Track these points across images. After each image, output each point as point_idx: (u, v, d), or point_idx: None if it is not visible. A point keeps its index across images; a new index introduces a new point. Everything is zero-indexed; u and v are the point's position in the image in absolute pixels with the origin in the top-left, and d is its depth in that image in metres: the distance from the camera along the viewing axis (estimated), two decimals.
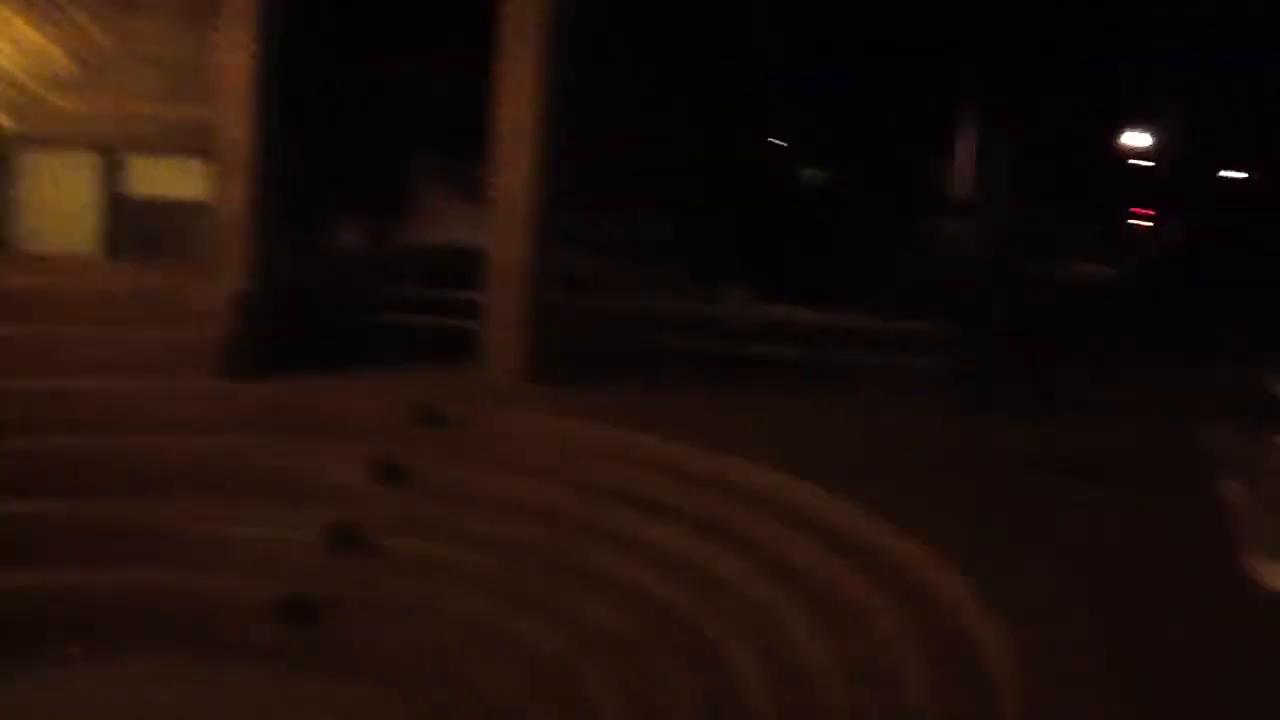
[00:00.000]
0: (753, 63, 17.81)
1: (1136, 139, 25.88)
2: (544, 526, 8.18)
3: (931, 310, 10.75)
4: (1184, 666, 4.97)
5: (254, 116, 10.28)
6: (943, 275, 18.40)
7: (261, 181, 10.45)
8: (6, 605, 7.51)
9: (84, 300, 9.87)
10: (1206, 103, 18.34)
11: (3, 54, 10.56)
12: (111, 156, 10.89)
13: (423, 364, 10.99)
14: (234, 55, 10.17)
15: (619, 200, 17.57)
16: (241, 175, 10.35)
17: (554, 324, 10.84)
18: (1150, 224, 25.16)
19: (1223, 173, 19.63)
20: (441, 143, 16.89)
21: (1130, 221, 25.06)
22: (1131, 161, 26.03)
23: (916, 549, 6.43)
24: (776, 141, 21.72)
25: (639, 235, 17.99)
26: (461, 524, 8.40)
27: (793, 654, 6.04)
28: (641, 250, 17.42)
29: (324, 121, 13.12)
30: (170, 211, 10.94)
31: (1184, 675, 4.89)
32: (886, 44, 19.63)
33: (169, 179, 10.95)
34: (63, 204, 10.96)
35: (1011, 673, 4.88)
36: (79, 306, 9.79)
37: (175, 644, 7.56)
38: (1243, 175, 17.93)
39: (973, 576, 5.88)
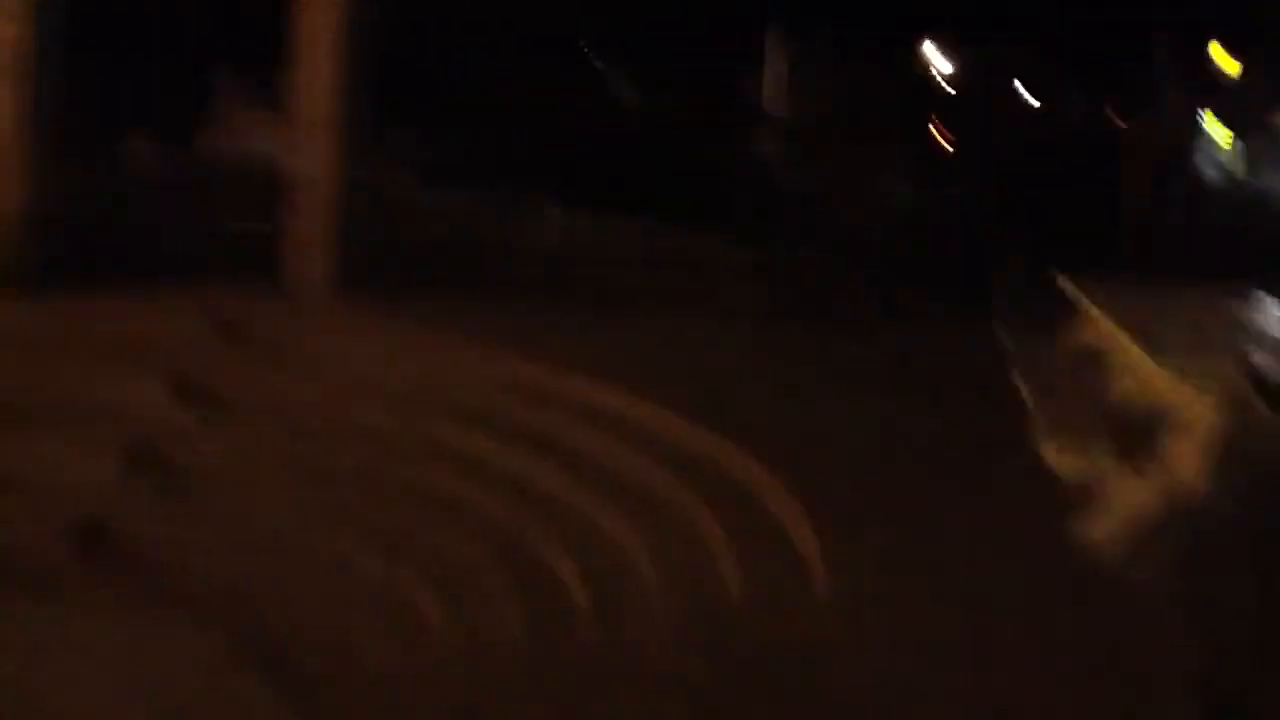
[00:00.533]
0: None
1: (939, 60, 26.64)
2: (356, 442, 8.01)
3: (742, 224, 10.97)
4: (970, 540, 5.27)
5: (28, 15, 9.53)
6: (753, 191, 18.70)
7: (39, 88, 9.72)
8: None
9: None
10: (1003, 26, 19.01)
11: None
12: None
13: (224, 280, 10.56)
14: None
15: (428, 117, 17.16)
16: (14, 80, 9.61)
17: (361, 238, 10.55)
18: (950, 146, 26.13)
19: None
20: (239, 50, 16.10)
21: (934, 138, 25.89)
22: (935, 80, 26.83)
23: (724, 446, 6.58)
24: (594, 62, 21.50)
25: (449, 152, 17.63)
26: (269, 443, 8.15)
27: (618, 563, 6.12)
28: (452, 167, 17.10)
29: (111, 26, 12.31)
30: None
31: (965, 545, 5.19)
32: None
33: None
34: None
35: (820, 556, 5.07)
36: None
37: None
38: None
39: (782, 473, 6.06)
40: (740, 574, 5.25)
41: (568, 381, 8.04)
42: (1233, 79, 21.48)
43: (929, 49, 25.93)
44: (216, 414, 8.47)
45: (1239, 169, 21.37)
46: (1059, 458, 5.06)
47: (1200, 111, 19.30)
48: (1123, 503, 5.13)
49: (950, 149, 24.45)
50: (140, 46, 13.73)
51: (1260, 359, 4.12)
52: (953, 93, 25.75)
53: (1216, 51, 20.15)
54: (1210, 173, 20.08)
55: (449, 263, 11.55)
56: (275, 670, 6.14)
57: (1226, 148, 21.70)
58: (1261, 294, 7.10)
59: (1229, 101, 21.14)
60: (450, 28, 16.39)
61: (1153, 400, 5.85)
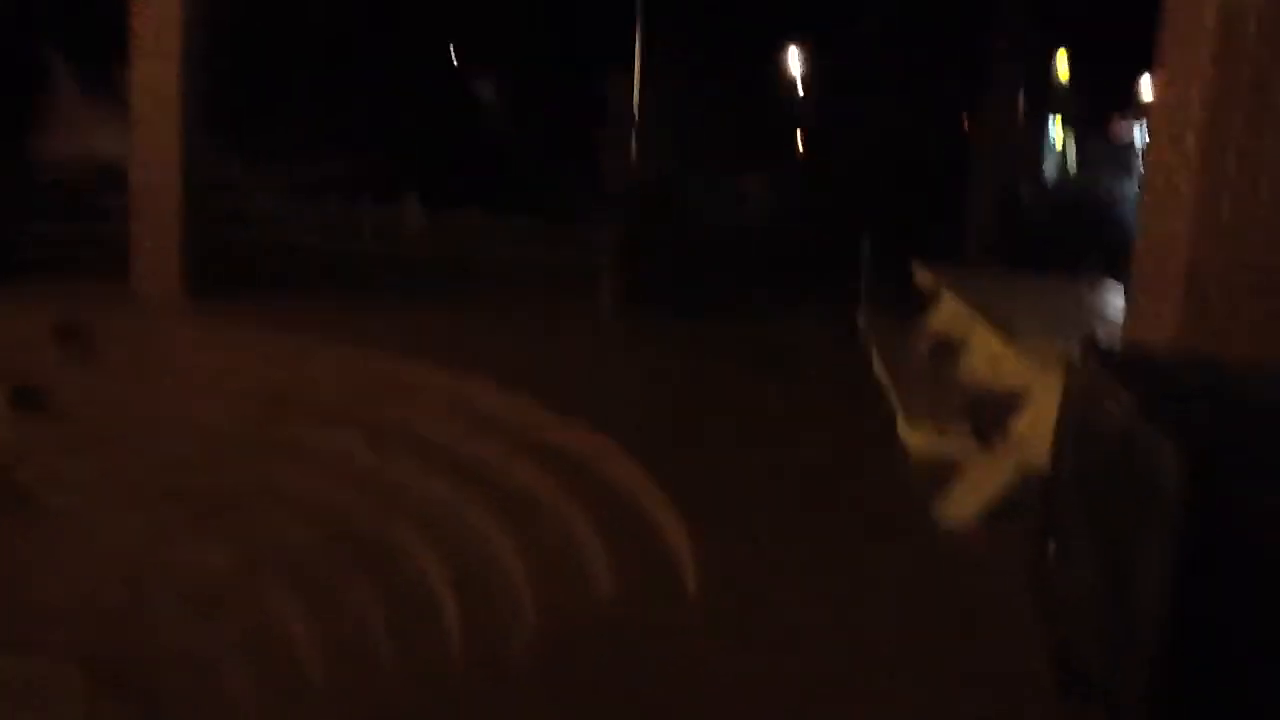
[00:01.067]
0: None
1: (794, 58, 27.12)
2: (207, 443, 7.74)
3: (597, 220, 11.03)
4: (832, 525, 5.35)
5: None
6: (609, 189, 18.76)
7: None
8: None
9: None
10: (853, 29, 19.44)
11: None
12: None
13: (64, 281, 10.14)
14: None
15: (275, 107, 16.77)
16: None
17: (208, 234, 10.21)
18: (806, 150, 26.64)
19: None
20: (77, 41, 15.45)
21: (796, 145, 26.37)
22: (791, 83, 27.33)
23: (589, 439, 6.57)
24: (453, 60, 21.29)
25: (298, 144, 17.25)
26: (112, 448, 7.82)
27: (477, 554, 6.03)
28: (305, 161, 16.75)
29: None
30: None
31: (831, 530, 5.28)
32: None
33: None
34: None
35: (687, 547, 5.08)
36: None
37: None
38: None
39: (643, 461, 6.07)
40: (610, 569, 5.22)
41: (430, 378, 7.91)
42: (1067, 85, 22.49)
43: (791, 55, 26.43)
44: (52, 418, 8.10)
45: (1074, 169, 22.39)
46: (915, 438, 5.17)
47: (1049, 115, 20.15)
48: (977, 480, 5.28)
49: (807, 153, 24.99)
50: None
51: (1103, 336, 4.28)
52: (808, 97, 26.32)
53: (1060, 59, 21.08)
54: (1050, 172, 20.98)
55: (307, 267, 11.32)
56: (136, 696, 5.87)
57: (1063, 149, 22.73)
58: (1103, 280, 7.41)
59: (1068, 105, 22.11)
60: (310, 30, 16.05)
61: (1003, 380, 6.05)
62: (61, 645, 6.25)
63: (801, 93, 26.71)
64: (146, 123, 9.78)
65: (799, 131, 25.54)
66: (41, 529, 7.23)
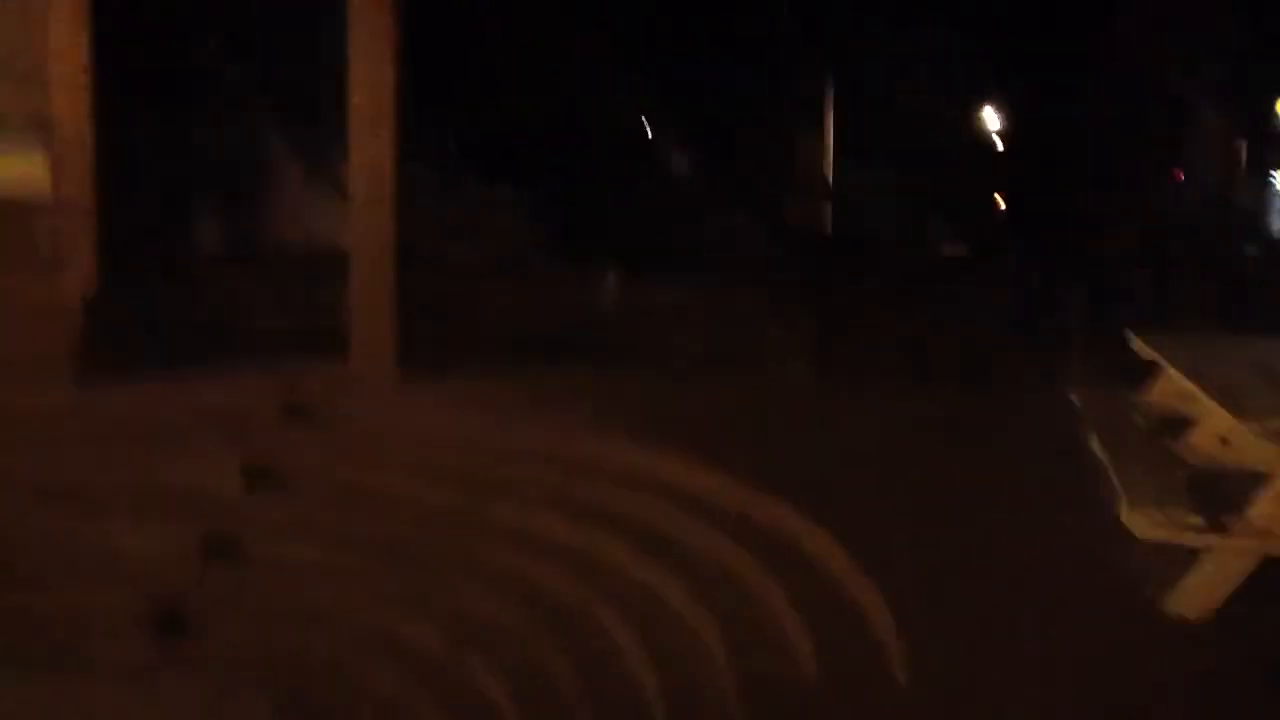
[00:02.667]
0: (613, 48, 17.79)
1: (992, 118, 26.62)
2: (423, 524, 8.00)
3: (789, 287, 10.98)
4: (1050, 620, 5.10)
5: (90, 104, 9.81)
6: (801, 256, 18.70)
7: (104, 173, 9.97)
8: None
9: None
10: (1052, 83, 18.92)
11: None
12: None
13: (290, 361, 10.70)
14: (68, 37, 9.70)
15: (483, 184, 17.40)
16: (82, 166, 9.87)
17: (421, 312, 10.63)
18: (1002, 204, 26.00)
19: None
20: (297, 131, 16.43)
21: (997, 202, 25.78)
22: (991, 140, 26.80)
23: (789, 519, 6.48)
24: (646, 127, 21.75)
25: (508, 220, 17.85)
26: (338, 525, 8.17)
27: (679, 635, 6.02)
28: (510, 235, 17.29)
29: (171, 112, 12.63)
30: (6, 208, 10.40)
31: (1050, 629, 5.02)
32: (745, 29, 19.76)
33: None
34: None
35: (895, 633, 4.94)
36: None
37: (46, 664, 7.13)
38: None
39: (848, 543, 5.94)
40: (811, 650, 5.12)
41: (637, 458, 7.98)
42: None
43: (988, 112, 25.92)
44: (282, 495, 8.53)
45: None
46: (1140, 524, 4.89)
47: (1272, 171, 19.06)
48: (1212, 570, 4.95)
49: (1004, 205, 24.34)
50: (197, 124, 14.00)
51: None
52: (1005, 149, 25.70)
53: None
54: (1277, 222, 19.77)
55: (513, 335, 11.61)
56: None
57: None
58: None
59: None
60: (499, 98, 16.66)
61: (1236, 458, 5.68)
62: (269, 687, 6.72)
63: (1000, 149, 26.12)
64: (363, 206, 10.30)
65: (1002, 189, 24.92)
66: (269, 592, 7.63)
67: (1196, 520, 4.84)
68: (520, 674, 6.31)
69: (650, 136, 21.63)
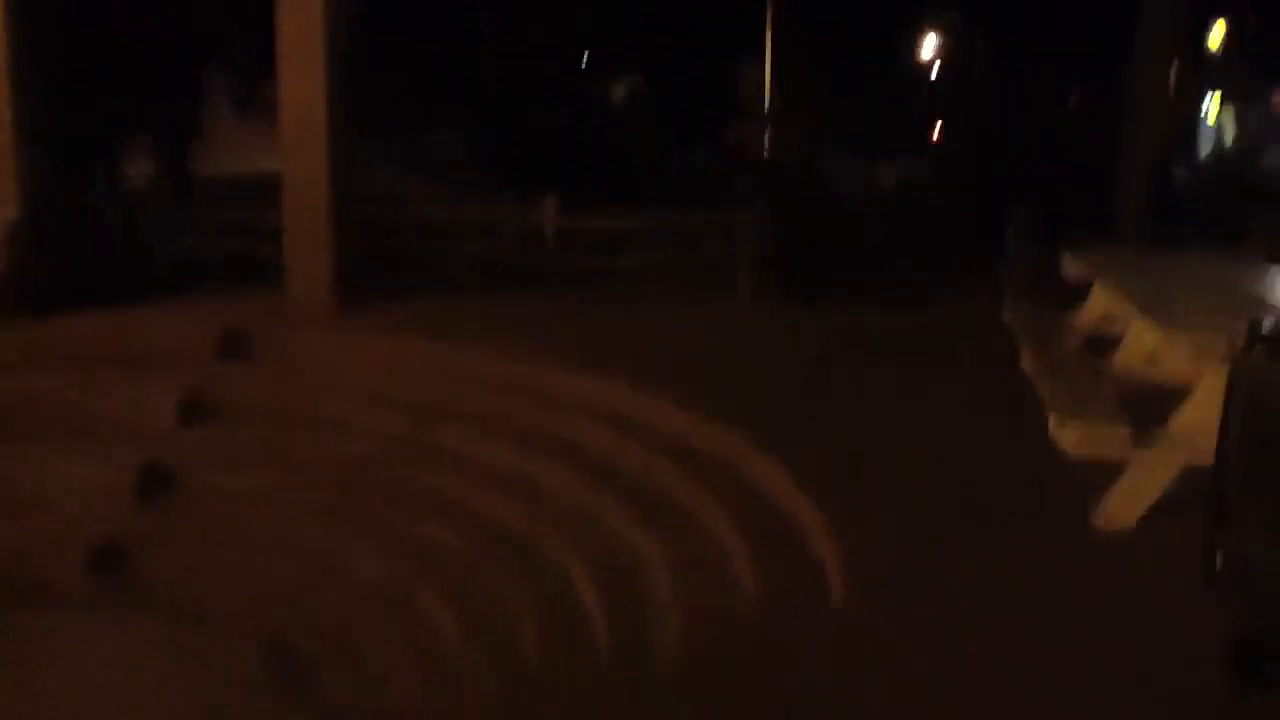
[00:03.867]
0: None
1: (927, 48, 26.57)
2: (365, 448, 7.99)
3: (734, 207, 11.00)
4: (985, 528, 5.23)
5: (11, 29, 9.49)
6: (744, 175, 18.69)
7: (27, 98, 9.67)
8: None
9: None
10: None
11: None
12: None
13: (224, 292, 10.61)
14: None
15: (416, 113, 17.14)
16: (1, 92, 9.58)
17: (356, 242, 10.52)
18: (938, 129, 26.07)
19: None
20: (226, 58, 16.02)
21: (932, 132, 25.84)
22: (924, 66, 26.77)
23: (732, 441, 6.55)
24: (583, 52, 21.48)
25: (438, 149, 17.65)
26: (278, 452, 8.14)
27: (623, 555, 6.08)
28: (442, 164, 17.11)
29: (95, 35, 12.25)
30: None
31: (988, 535, 5.15)
32: None
33: None
34: None
35: (831, 544, 5.03)
36: None
37: None
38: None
39: (787, 459, 6.02)
40: (755, 573, 5.21)
41: (575, 382, 8.00)
42: (1223, 57, 21.43)
43: (925, 37, 25.85)
44: (221, 424, 8.47)
45: (1233, 141, 21.34)
46: (1069, 437, 5.00)
47: (1205, 89, 19.23)
48: (1136, 481, 5.09)
49: (945, 135, 24.40)
50: (121, 57, 13.63)
51: (1268, 321, 4.07)
52: (945, 76, 25.70)
53: (1216, 30, 20.12)
54: (1207, 145, 20.06)
55: (443, 264, 11.56)
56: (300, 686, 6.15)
57: (1220, 124, 21.70)
58: (1264, 261, 7.05)
59: (1224, 78, 21.08)
60: (435, 28, 16.34)
61: (1162, 372, 5.81)
62: (217, 616, 6.72)
63: (938, 72, 26.14)
64: (295, 138, 10.10)
65: (936, 114, 24.98)
66: (212, 520, 7.60)
67: (1122, 433, 4.95)
68: (466, 597, 6.36)
69: (588, 67, 21.39)
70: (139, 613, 6.94)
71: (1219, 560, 3.86)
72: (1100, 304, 6.91)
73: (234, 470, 7.99)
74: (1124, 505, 5.13)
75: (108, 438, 8.14)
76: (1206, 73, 19.95)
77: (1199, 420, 4.84)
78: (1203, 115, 20.79)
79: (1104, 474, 5.23)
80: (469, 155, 17.82)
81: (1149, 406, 5.31)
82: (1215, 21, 20.56)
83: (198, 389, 8.60)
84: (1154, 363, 6.02)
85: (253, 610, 6.79)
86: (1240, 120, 21.20)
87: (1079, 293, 7.22)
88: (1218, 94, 21.56)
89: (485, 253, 12.13)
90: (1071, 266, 7.11)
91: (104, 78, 12.83)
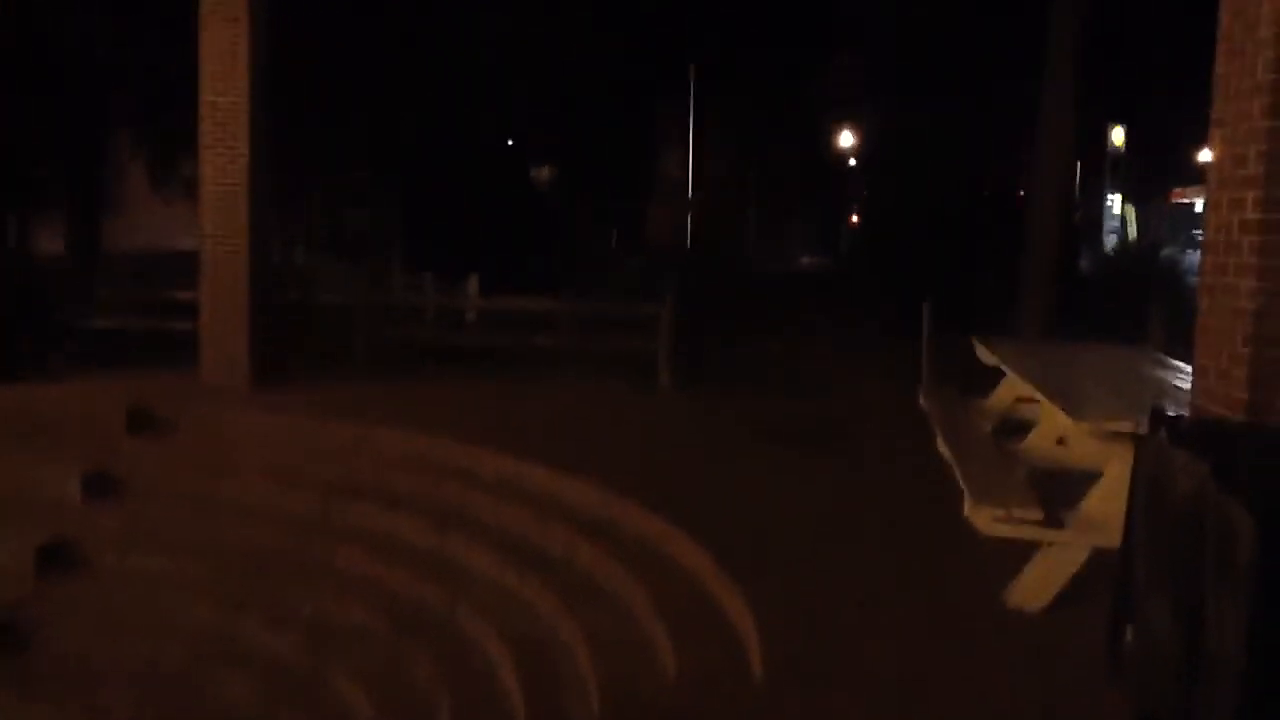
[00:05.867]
0: (477, 64, 17.74)
1: (845, 139, 27.44)
2: (272, 529, 7.82)
3: (649, 294, 11.15)
4: (904, 611, 5.27)
5: None
6: (656, 261, 18.93)
7: None
8: None
9: None
10: (899, 101, 19.54)
11: None
12: None
13: (135, 369, 10.43)
14: None
15: (336, 194, 17.16)
16: None
17: (273, 322, 10.42)
18: (855, 219, 26.82)
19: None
20: (142, 127, 15.90)
21: (849, 218, 26.59)
22: (842, 160, 27.59)
23: (652, 522, 6.55)
24: (507, 141, 21.77)
25: (358, 229, 17.64)
26: (182, 532, 7.94)
27: (544, 635, 6.01)
28: (360, 244, 17.08)
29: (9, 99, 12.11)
30: None
31: (903, 617, 5.19)
32: (608, 40, 19.95)
33: None
34: None
35: (753, 628, 5.03)
36: None
37: None
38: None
39: (708, 543, 6.03)
40: (674, 650, 5.18)
41: (488, 460, 7.96)
42: (1123, 154, 22.38)
43: (841, 132, 26.65)
44: (126, 503, 8.25)
45: (1133, 235, 22.22)
46: (983, 520, 5.09)
47: (1107, 186, 20.03)
48: (1048, 564, 5.19)
49: (860, 225, 25.08)
50: (34, 118, 13.47)
51: (1171, 408, 4.22)
52: (859, 170, 26.46)
53: (1115, 132, 21.05)
54: (1110, 240, 20.84)
55: (359, 345, 11.51)
56: None
57: (1124, 219, 22.62)
58: (1167, 351, 7.31)
59: (1126, 175, 22.01)
60: (358, 110, 16.44)
61: (1071, 457, 5.96)
62: (112, 699, 6.43)
63: (853, 163, 26.92)
64: (215, 215, 10.01)
65: (852, 207, 25.68)
66: (110, 601, 7.34)
67: (1035, 515, 5.06)
68: (380, 679, 6.22)
69: (514, 154, 21.65)
70: (30, 699, 6.65)
71: (1125, 643, 3.94)
72: (1011, 390, 7.09)
73: (138, 550, 7.76)
74: (1035, 587, 5.22)
75: (7, 515, 7.87)
76: (1108, 173, 20.82)
77: (1107, 504, 4.97)
78: (1108, 211, 21.63)
79: (1016, 556, 5.33)
80: (389, 236, 17.82)
81: (1060, 489, 5.45)
82: (1113, 126, 21.48)
83: (104, 467, 8.37)
84: (1063, 447, 6.17)
85: (149, 695, 6.55)
86: (1141, 216, 22.09)
87: (988, 379, 7.41)
88: (1119, 195, 22.48)
89: (405, 333, 12.10)
90: (982, 355, 7.30)
91: (14, 145, 12.65)
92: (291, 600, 7.15)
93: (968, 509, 5.17)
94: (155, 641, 6.98)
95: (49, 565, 7.61)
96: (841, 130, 26.27)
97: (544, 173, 23.16)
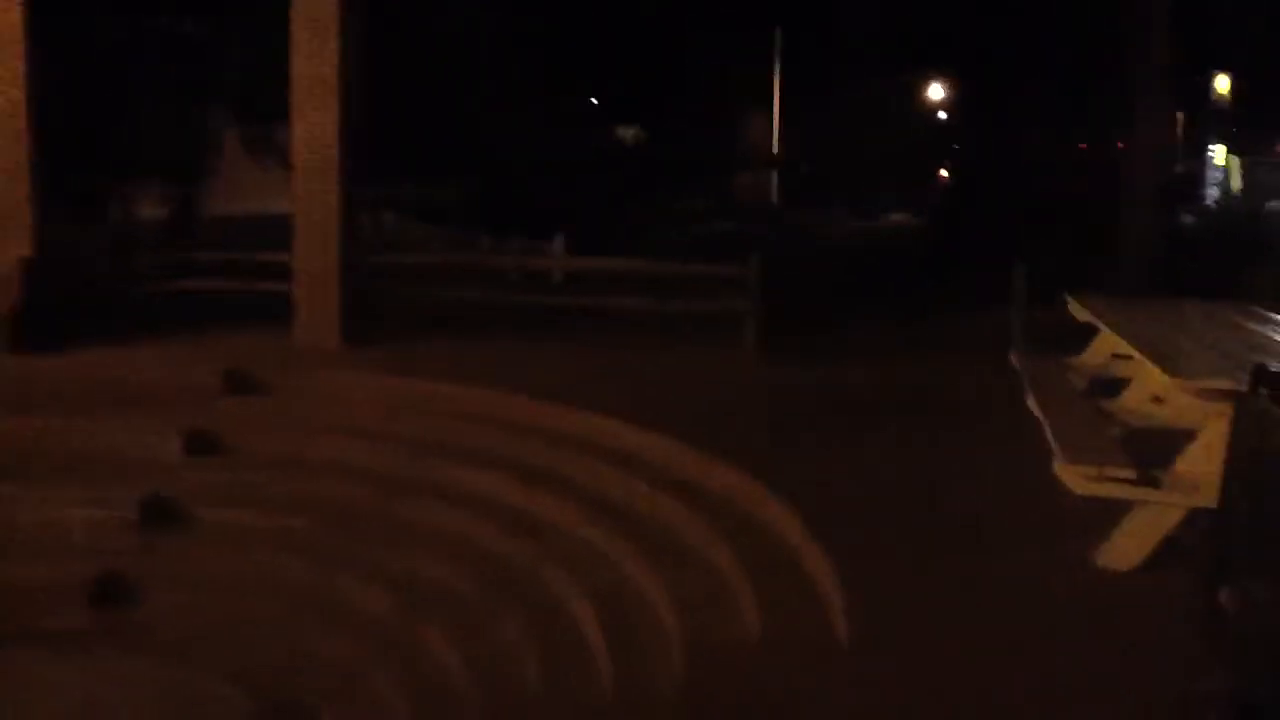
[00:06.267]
0: (562, 25, 17.73)
1: (936, 93, 26.91)
2: (368, 486, 7.98)
3: (735, 257, 11.08)
4: (992, 572, 5.20)
5: (23, 73, 9.65)
6: (746, 224, 18.81)
7: (38, 141, 9.82)
8: None
9: None
10: (995, 58, 19.06)
11: None
12: None
13: (231, 331, 10.68)
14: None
15: (427, 157, 17.31)
16: (16, 135, 9.71)
17: (364, 283, 10.60)
18: (945, 174, 26.31)
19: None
20: (239, 102, 16.23)
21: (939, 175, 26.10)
22: (937, 116, 27.05)
23: (735, 479, 6.55)
24: (592, 100, 21.76)
25: (448, 194, 17.80)
26: (281, 490, 8.12)
27: (627, 590, 6.06)
28: (449, 208, 17.23)
29: (106, 78, 12.44)
30: None
31: (991, 578, 5.13)
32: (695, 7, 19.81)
33: None
34: None
35: (838, 589, 5.01)
36: None
37: None
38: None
39: (793, 503, 6.01)
40: (758, 610, 5.19)
41: (574, 418, 8.02)
42: (1227, 104, 21.58)
43: (932, 87, 26.13)
44: (226, 462, 8.48)
45: (1238, 189, 21.45)
46: (1074, 479, 4.99)
47: (1210, 139, 19.34)
48: (1140, 523, 5.08)
49: (953, 183, 24.59)
50: (134, 95, 13.83)
51: (1273, 367, 4.08)
52: (950, 125, 25.92)
53: (1220, 82, 20.30)
54: (1212, 194, 20.17)
55: (449, 306, 11.62)
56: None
57: (1227, 174, 21.83)
58: (1263, 308, 7.08)
59: (1231, 126, 21.24)
60: (446, 72, 16.54)
61: (1167, 416, 5.81)
62: (216, 657, 6.61)
63: (944, 121, 26.40)
64: (307, 180, 10.19)
65: (944, 163, 25.18)
66: (214, 559, 7.54)
67: (1128, 474, 4.95)
68: (470, 635, 6.33)
69: (596, 113, 21.64)
70: (135, 652, 6.88)
71: (1221, 605, 3.84)
72: (1105, 348, 6.92)
73: (237, 507, 7.97)
74: (1127, 546, 5.11)
75: (110, 474, 8.14)
76: (1212, 124, 20.12)
77: (1203, 464, 4.85)
78: (1210, 164, 20.91)
79: (1108, 514, 5.22)
80: (477, 199, 17.96)
81: (1154, 449, 5.31)
82: (1218, 75, 20.72)
83: (202, 427, 8.61)
84: (1159, 406, 6.02)
85: (247, 651, 6.73)
86: (1246, 170, 21.32)
87: (1084, 337, 7.24)
88: (1223, 145, 21.70)
89: (492, 294, 12.20)
90: (1076, 312, 7.14)
91: (114, 123, 13.00)
92: (383, 558, 7.29)
93: (1057, 467, 5.08)
94: (253, 596, 7.18)
95: (151, 521, 7.84)
96: (931, 84, 25.77)
97: (631, 133, 23.12)
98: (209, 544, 7.70)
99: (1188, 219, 16.05)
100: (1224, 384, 4.66)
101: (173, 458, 8.37)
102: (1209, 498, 4.56)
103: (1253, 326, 6.33)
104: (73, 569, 7.36)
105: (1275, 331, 6.06)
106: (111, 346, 9.88)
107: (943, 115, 26.25)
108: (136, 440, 8.44)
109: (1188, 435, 5.17)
